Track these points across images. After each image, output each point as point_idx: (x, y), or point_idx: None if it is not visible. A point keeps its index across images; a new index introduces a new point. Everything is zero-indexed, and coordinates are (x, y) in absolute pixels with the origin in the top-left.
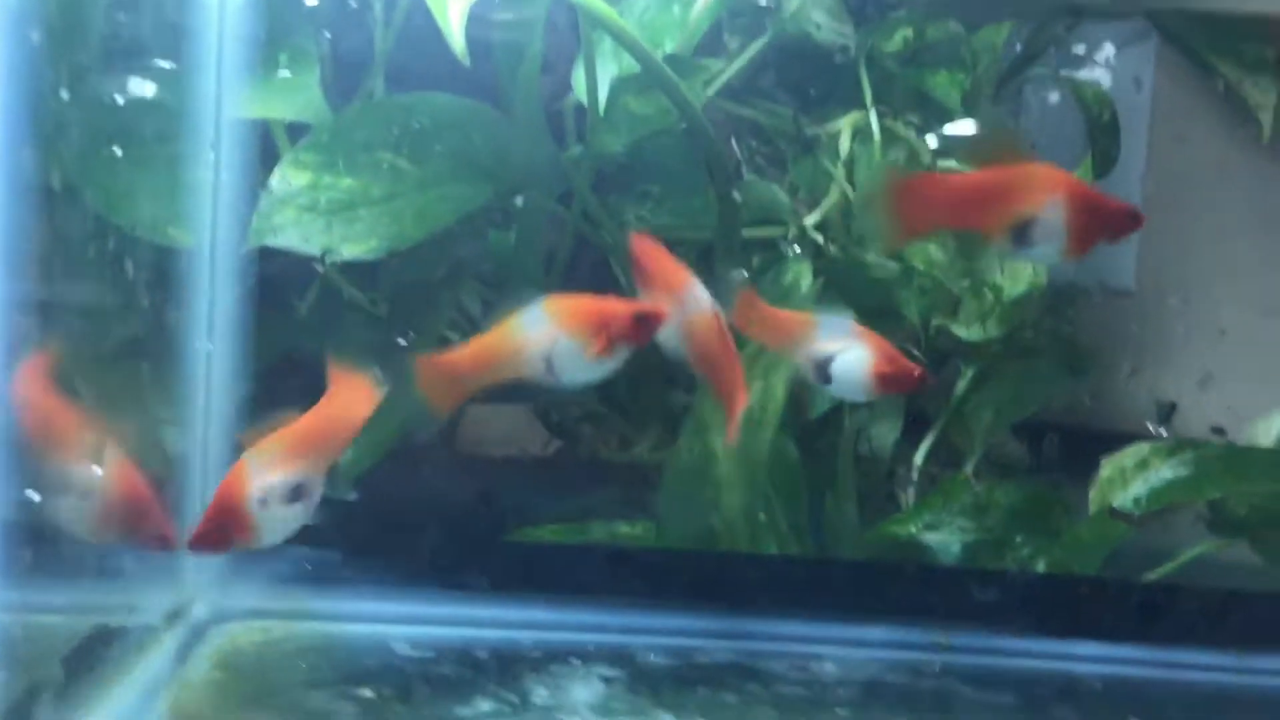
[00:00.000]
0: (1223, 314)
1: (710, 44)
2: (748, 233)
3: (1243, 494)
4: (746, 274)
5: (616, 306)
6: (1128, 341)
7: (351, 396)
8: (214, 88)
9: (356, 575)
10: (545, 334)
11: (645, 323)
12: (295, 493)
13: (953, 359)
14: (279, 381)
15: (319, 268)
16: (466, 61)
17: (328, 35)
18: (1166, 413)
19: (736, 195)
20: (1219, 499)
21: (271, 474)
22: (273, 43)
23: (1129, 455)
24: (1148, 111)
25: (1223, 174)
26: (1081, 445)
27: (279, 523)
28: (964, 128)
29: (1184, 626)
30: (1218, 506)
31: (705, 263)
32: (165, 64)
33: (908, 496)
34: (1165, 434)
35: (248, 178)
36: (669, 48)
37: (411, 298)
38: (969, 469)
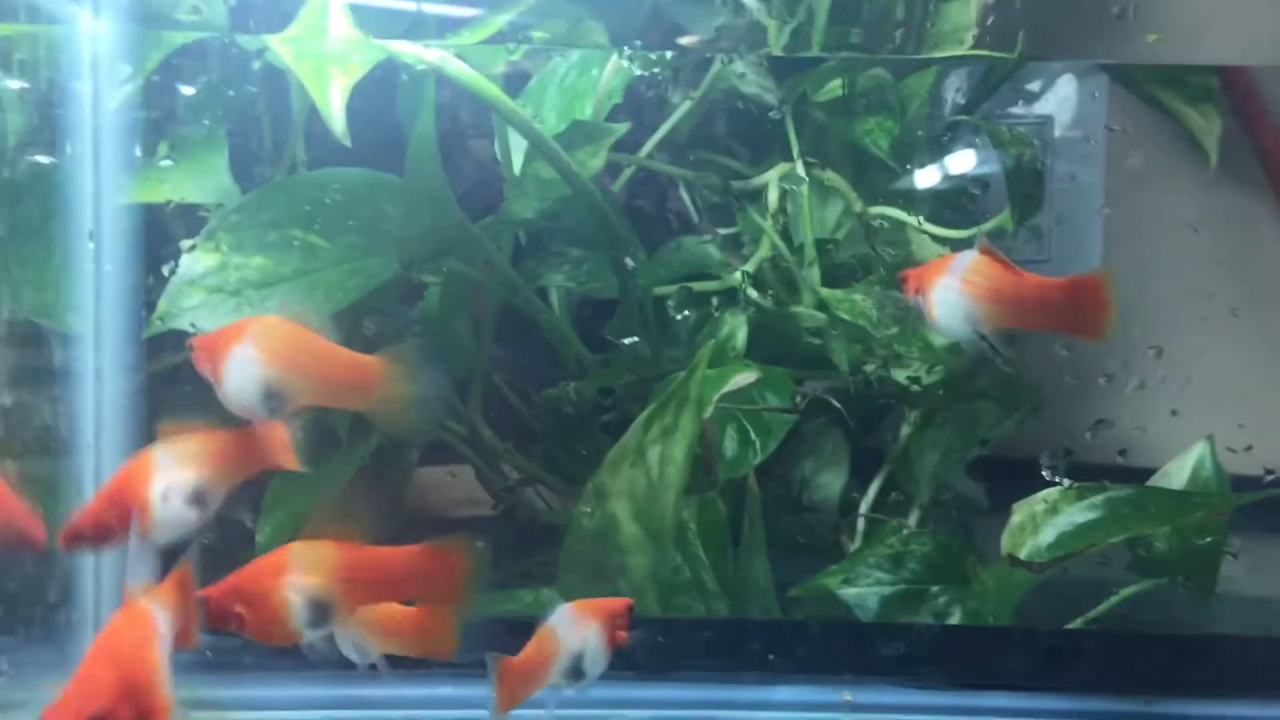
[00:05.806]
0: (1188, 344)
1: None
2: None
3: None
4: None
5: None
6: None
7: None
8: (91, 180)
9: (259, 660)
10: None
11: None
12: (197, 495)
13: (897, 405)
14: None
15: None
16: (347, 142)
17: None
18: (1062, 459)
19: (629, 261)
20: (1139, 539)
21: (179, 471)
22: (169, 129)
23: (1040, 500)
24: (1103, 149)
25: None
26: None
27: (175, 523)
28: None
29: (1091, 675)
30: (1137, 547)
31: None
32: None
33: (853, 546)
34: (1064, 482)
35: (132, 268)
36: (587, 112)
37: None
38: (914, 514)
